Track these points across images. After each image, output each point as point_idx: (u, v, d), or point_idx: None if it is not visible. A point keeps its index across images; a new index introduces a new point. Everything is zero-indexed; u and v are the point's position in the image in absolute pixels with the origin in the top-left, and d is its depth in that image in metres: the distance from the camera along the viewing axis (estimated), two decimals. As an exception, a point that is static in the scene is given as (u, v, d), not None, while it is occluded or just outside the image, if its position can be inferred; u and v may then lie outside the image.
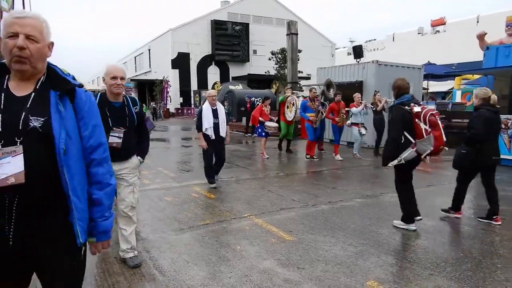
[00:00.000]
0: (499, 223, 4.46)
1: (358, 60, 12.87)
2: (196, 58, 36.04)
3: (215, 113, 6.16)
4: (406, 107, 4.08)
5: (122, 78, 3.13)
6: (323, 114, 9.20)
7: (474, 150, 4.43)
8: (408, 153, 3.99)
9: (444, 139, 3.93)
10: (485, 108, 4.45)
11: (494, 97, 4.52)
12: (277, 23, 38.00)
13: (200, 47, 35.86)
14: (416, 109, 3.99)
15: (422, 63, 15.49)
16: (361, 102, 9.47)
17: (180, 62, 35.23)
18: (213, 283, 3.04)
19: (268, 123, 9.62)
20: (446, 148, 4.05)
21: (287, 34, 16.63)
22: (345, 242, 3.94)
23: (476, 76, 16.80)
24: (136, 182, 3.38)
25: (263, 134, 9.79)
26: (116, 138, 3.11)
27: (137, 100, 3.42)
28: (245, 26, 37.25)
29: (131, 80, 38.09)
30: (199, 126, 6.18)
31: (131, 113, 3.27)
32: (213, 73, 36.58)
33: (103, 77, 3.18)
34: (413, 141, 4.02)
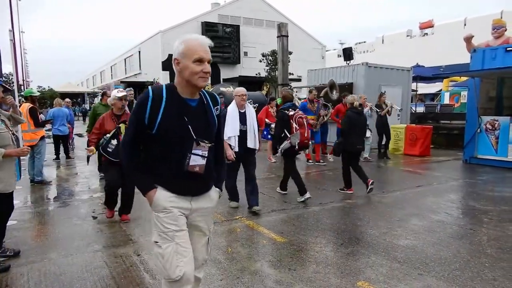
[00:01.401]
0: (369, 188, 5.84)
1: (348, 62, 12.98)
2: (187, 60, 35.89)
3: (243, 117, 4.91)
4: (286, 111, 5.52)
5: (209, 62, 1.92)
6: (324, 118, 8.90)
7: (344, 140, 6.08)
8: (284, 144, 5.44)
9: (306, 135, 5.46)
10: (351, 111, 6.15)
11: (357, 103, 6.29)
12: (268, 25, 38.09)
13: (190, 49, 35.73)
14: (291, 113, 5.47)
15: (411, 65, 15.67)
16: (366, 104, 9.08)
17: (171, 64, 34.61)
18: (204, 286, 3.02)
19: (274, 125, 9.28)
20: (311, 143, 6.26)
21: (277, 36, 16.66)
22: (336, 243, 3.96)
23: (464, 78, 17.05)
24: (211, 227, 2.18)
25: (269, 136, 9.31)
26: (199, 158, 1.92)
27: (218, 97, 2.15)
28: (236, 28, 37.26)
29: (121, 82, 37.79)
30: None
31: (213, 118, 2.03)
32: (204, 75, 36.47)
33: (175, 59, 1.92)
34: (288, 135, 5.39)
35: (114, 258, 3.59)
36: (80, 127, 18.24)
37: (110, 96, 6.64)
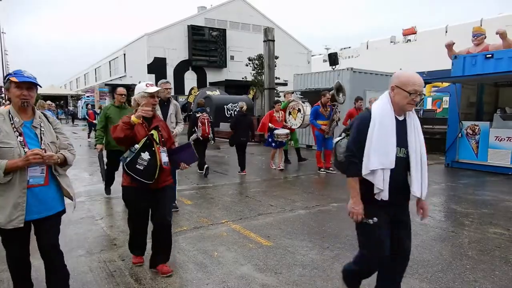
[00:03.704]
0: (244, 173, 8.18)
1: (333, 67, 13.13)
2: (173, 63, 35.73)
3: (402, 132, 2.41)
4: (196, 114, 8.00)
5: None
6: (337, 123, 8.43)
7: (234, 135, 8.35)
8: (193, 136, 7.81)
9: (207, 131, 7.83)
10: (238, 113, 8.53)
11: (244, 108, 8.39)
12: (254, 30, 38.24)
13: (176, 52, 35.59)
14: (198, 114, 7.92)
15: (395, 71, 15.95)
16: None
17: (157, 67, 34.83)
18: (190, 290, 3.00)
19: (278, 131, 8.47)
20: (212, 139, 8.14)
21: (264, 41, 16.77)
22: (322, 246, 3.99)
23: (445, 84, 17.45)
24: None
25: (273, 144, 8.66)
26: None
27: None
28: (222, 32, 37.29)
29: (106, 84, 37.34)
30: (354, 164, 2.49)
31: None
32: (190, 78, 36.35)
33: None
34: (197, 130, 7.82)
35: (98, 263, 3.54)
36: (70, 130, 17.82)
37: (122, 94, 5.73)
